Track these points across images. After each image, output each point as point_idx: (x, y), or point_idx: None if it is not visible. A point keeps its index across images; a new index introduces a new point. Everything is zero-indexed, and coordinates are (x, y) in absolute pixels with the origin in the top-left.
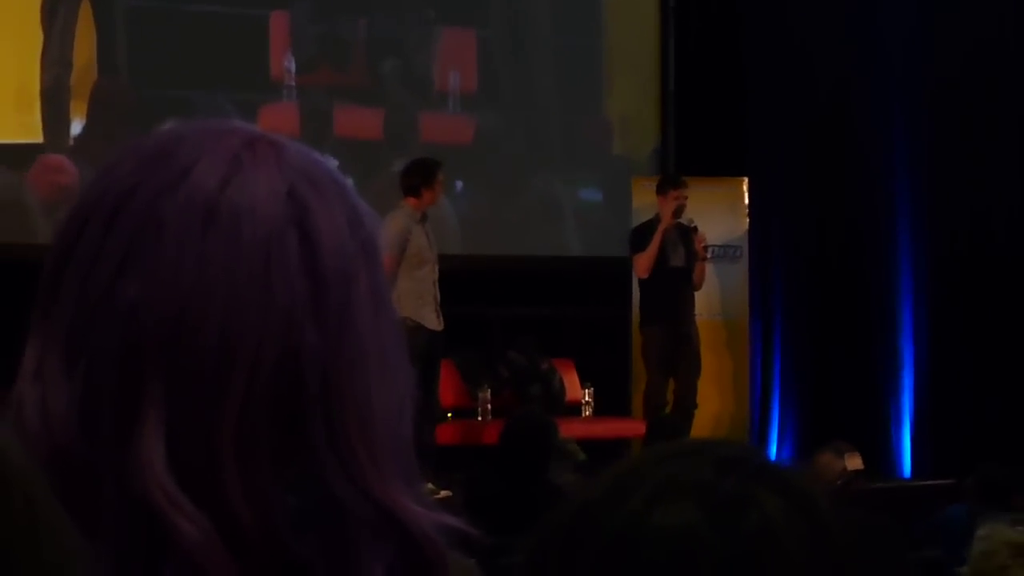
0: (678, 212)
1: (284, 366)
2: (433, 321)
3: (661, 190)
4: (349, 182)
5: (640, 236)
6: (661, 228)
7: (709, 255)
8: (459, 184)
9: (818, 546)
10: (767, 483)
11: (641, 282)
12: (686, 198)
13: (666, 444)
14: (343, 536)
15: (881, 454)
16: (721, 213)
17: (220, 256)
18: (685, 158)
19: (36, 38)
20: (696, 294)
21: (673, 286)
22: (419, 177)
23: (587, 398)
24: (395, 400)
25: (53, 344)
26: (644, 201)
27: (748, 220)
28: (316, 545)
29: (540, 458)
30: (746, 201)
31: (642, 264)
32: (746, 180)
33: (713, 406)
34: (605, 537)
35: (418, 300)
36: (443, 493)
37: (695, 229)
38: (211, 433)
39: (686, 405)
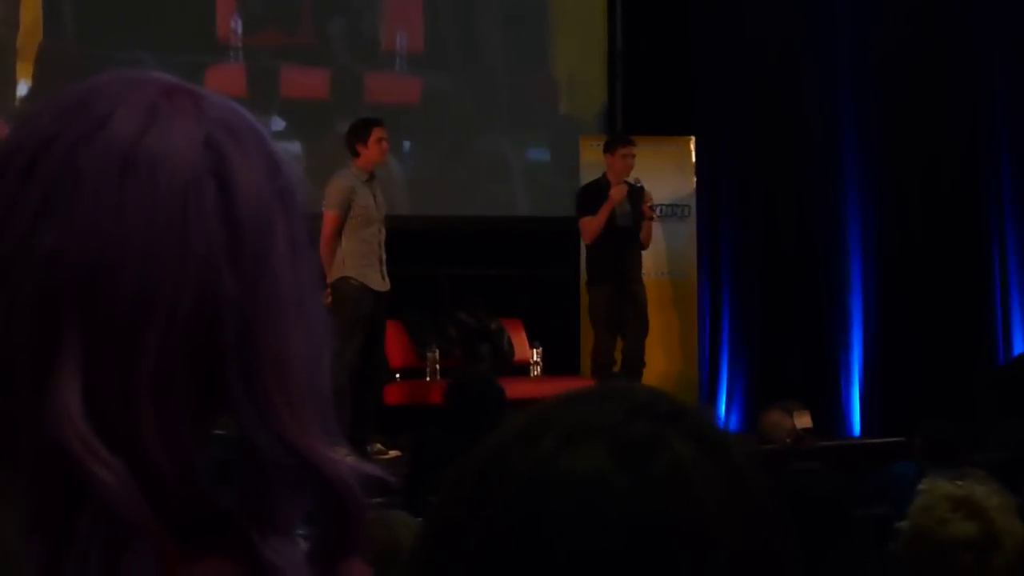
0: (627, 177)
1: (201, 314)
2: (378, 281)
3: (609, 149)
4: (267, 129)
5: (587, 197)
6: (611, 199)
7: (657, 214)
8: (407, 144)
9: (730, 492)
10: (679, 427)
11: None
12: (634, 156)
13: (579, 389)
14: (261, 484)
15: (831, 412)
16: (669, 172)
17: (137, 205)
18: (632, 117)
19: None
20: (644, 253)
21: (620, 245)
22: (355, 136)
23: (536, 358)
24: (313, 349)
25: None
26: (591, 160)
27: (696, 179)
28: (234, 493)
29: (486, 417)
30: (694, 160)
31: (589, 230)
32: (694, 139)
33: (661, 365)
34: (515, 480)
35: (363, 260)
36: (392, 453)
37: (642, 188)
38: (128, 381)
39: (634, 364)
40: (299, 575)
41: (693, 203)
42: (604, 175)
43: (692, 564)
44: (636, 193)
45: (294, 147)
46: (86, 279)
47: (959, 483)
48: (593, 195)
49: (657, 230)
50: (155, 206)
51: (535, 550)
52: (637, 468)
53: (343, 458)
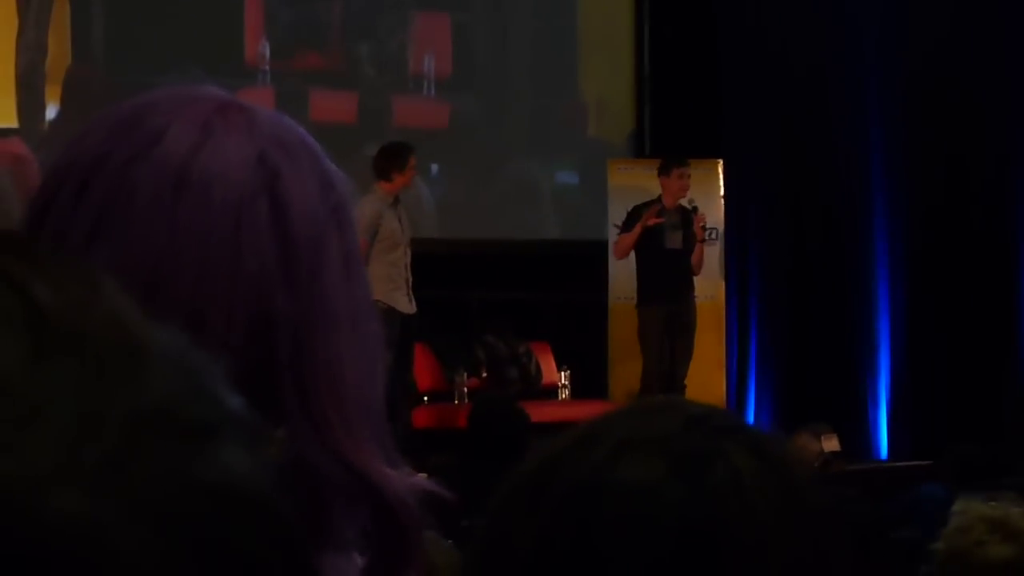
0: (682, 198)
1: (255, 330)
2: (405, 304)
3: (664, 171)
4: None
5: (634, 214)
6: (645, 218)
7: (709, 237)
8: (434, 168)
9: (786, 505)
10: (737, 440)
11: (638, 262)
12: (689, 176)
13: (635, 403)
14: (316, 500)
15: (858, 436)
16: (697, 195)
17: (191, 222)
18: (660, 141)
19: (12, 23)
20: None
21: (669, 267)
22: (391, 161)
23: (564, 381)
24: (367, 365)
25: None
26: (620, 184)
27: (724, 202)
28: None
29: (510, 441)
30: (721, 183)
31: (620, 246)
32: (721, 162)
33: (690, 388)
34: (568, 488)
35: (390, 284)
36: (420, 477)
37: (695, 210)
38: None
39: (677, 382)
40: None
41: (721, 226)
42: (660, 197)
43: (744, 574)
44: (689, 215)
45: None
46: (140, 296)
47: (993, 504)
48: (641, 215)
49: None
50: (209, 223)
51: (586, 557)
52: (693, 478)
53: (399, 474)
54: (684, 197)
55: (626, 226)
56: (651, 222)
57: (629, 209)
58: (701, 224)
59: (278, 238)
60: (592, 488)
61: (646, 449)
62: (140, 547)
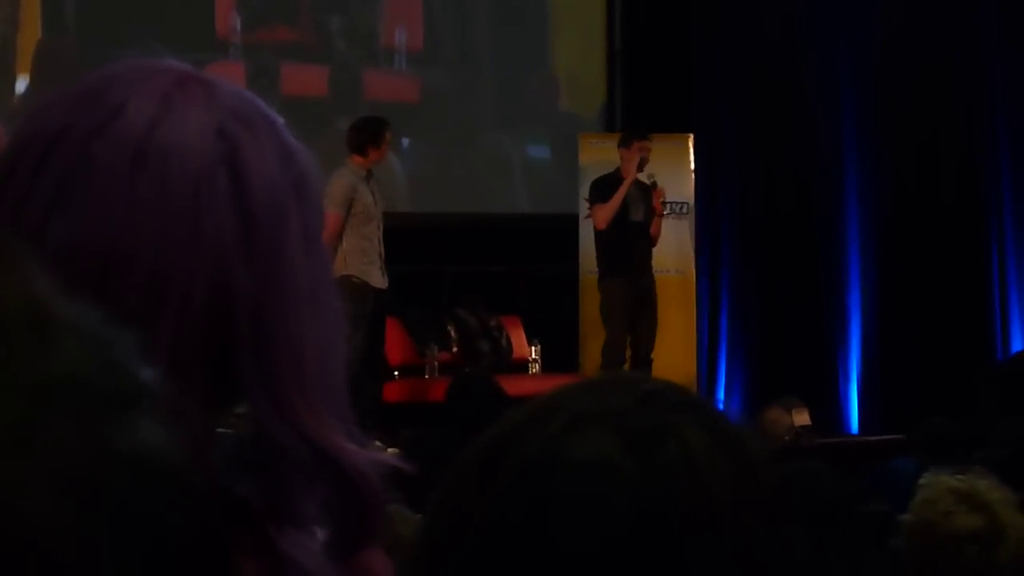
0: (641, 165)
1: (214, 304)
2: (378, 279)
3: (624, 142)
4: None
5: (601, 188)
6: (627, 183)
7: (667, 211)
8: (406, 142)
9: (739, 482)
10: (689, 416)
11: (600, 236)
12: (650, 150)
13: (589, 378)
14: (277, 475)
15: (829, 409)
16: (668, 170)
17: (149, 195)
18: (632, 114)
19: None
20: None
21: (633, 240)
22: (367, 135)
23: (534, 355)
24: (327, 339)
25: None
26: (591, 158)
27: (695, 176)
28: (251, 484)
29: (487, 416)
30: (692, 157)
31: (602, 215)
32: (692, 136)
33: (661, 362)
34: (520, 465)
35: (364, 258)
36: (390, 451)
37: (654, 185)
38: None
39: (643, 357)
40: (316, 566)
41: (692, 200)
42: (618, 170)
43: (697, 551)
44: (648, 189)
45: None
46: (99, 269)
47: (960, 477)
48: (608, 186)
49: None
50: (167, 196)
51: (539, 533)
52: (645, 454)
53: (361, 449)
54: (641, 170)
55: (595, 197)
56: (634, 175)
57: (592, 182)
58: (660, 199)
59: (237, 211)
60: (544, 464)
61: (599, 425)
62: (49, 510)
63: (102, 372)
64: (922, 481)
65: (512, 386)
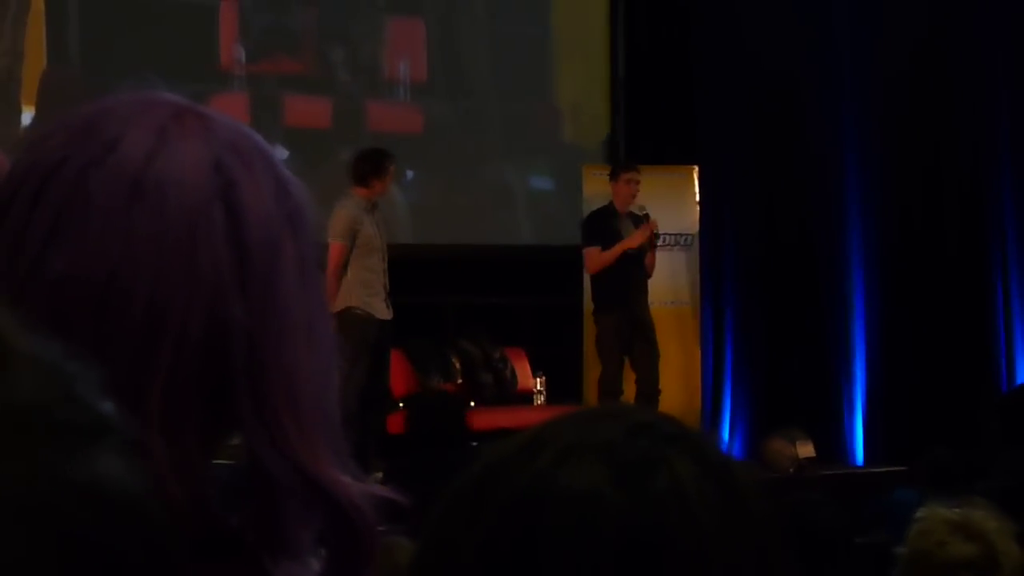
0: (632, 204)
1: (210, 337)
2: (382, 310)
3: (613, 176)
4: (279, 153)
5: (593, 226)
6: (626, 243)
7: (660, 242)
8: (409, 173)
9: (729, 514)
10: (680, 448)
11: None
12: (638, 182)
13: (580, 410)
14: (272, 507)
15: (833, 441)
16: (672, 201)
17: (146, 228)
18: (635, 146)
19: None
20: (648, 282)
21: (626, 273)
22: (370, 167)
23: (539, 386)
24: (322, 372)
25: None
26: (595, 189)
27: (699, 208)
28: (245, 516)
29: (446, 430)
30: (697, 189)
31: (596, 263)
32: (697, 168)
33: (665, 394)
34: (510, 496)
35: (368, 289)
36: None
37: (647, 216)
38: (137, 404)
39: (648, 391)
40: None
41: (696, 232)
42: (611, 203)
43: None
44: (641, 221)
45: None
46: (96, 301)
47: (956, 509)
48: (600, 224)
49: (660, 259)
50: (164, 230)
51: (529, 565)
52: (635, 486)
53: (354, 480)
54: (632, 203)
55: (587, 239)
56: (637, 244)
57: (583, 220)
58: (652, 230)
59: (233, 245)
60: (534, 496)
61: (589, 457)
62: (1, 539)
63: (60, 404)
64: (919, 513)
65: (516, 418)
